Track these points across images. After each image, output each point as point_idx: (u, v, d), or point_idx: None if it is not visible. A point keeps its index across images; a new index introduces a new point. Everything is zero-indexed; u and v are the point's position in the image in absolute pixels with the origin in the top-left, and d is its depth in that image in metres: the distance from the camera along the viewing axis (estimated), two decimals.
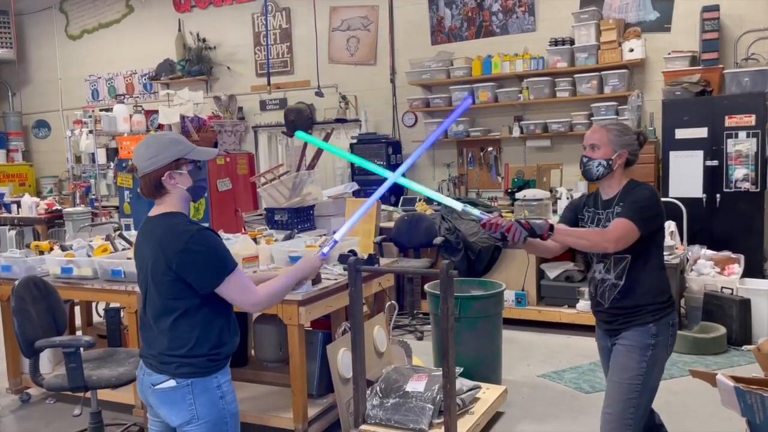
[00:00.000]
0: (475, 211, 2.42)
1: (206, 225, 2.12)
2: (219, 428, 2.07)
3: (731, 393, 2.11)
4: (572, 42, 6.27)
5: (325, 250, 2.32)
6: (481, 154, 6.94)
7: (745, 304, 4.71)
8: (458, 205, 2.42)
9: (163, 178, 2.07)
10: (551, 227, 2.34)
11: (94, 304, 5.20)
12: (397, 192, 7.05)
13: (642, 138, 2.51)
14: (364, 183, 6.84)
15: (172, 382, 2.04)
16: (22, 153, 10.10)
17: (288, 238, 4.23)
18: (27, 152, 10.24)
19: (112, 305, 4.17)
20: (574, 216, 2.62)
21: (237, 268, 2.06)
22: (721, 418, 3.40)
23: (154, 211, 2.12)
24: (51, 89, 9.92)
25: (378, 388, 3.33)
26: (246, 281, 2.08)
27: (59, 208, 7.54)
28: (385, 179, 2.46)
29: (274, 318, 3.30)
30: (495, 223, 2.35)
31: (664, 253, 2.71)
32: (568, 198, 5.70)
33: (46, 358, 3.95)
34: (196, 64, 8.39)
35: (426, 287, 4.24)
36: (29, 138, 10.29)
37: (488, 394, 3.63)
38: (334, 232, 2.40)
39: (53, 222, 7.33)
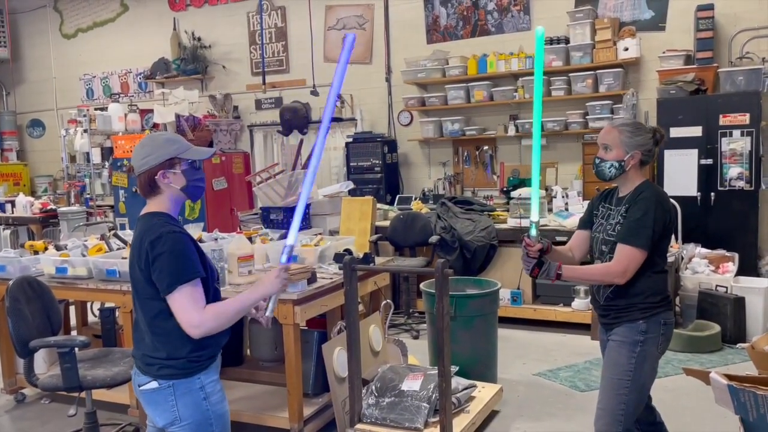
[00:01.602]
0: (533, 231, 2.33)
1: (197, 226, 2.09)
2: (204, 429, 2.05)
3: (724, 391, 2.12)
4: (567, 41, 6.28)
5: (284, 259, 2.09)
6: (477, 152, 6.94)
7: (739, 303, 4.72)
8: (536, 217, 2.31)
9: (156, 177, 2.07)
10: (558, 275, 2.32)
11: (89, 304, 5.19)
12: (393, 191, 7.06)
13: (658, 135, 2.47)
14: (360, 182, 6.84)
15: (154, 384, 2.03)
16: (17, 152, 10.06)
17: (283, 237, 4.23)
18: (21, 151, 10.20)
19: (107, 305, 4.18)
20: (591, 218, 2.61)
21: (196, 282, 1.97)
22: (715, 416, 3.41)
23: (143, 211, 2.12)
24: (45, 88, 9.88)
25: (374, 387, 3.33)
26: (199, 299, 1.96)
27: (54, 207, 7.51)
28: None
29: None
30: (527, 250, 2.34)
31: None
32: (563, 197, 5.71)
33: (40, 358, 3.95)
34: (191, 63, 8.38)
35: (421, 286, 4.24)
36: (24, 137, 10.26)
37: (484, 392, 3.64)
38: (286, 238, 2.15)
39: (48, 221, 7.31)
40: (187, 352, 2.02)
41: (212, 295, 2.10)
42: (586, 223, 2.63)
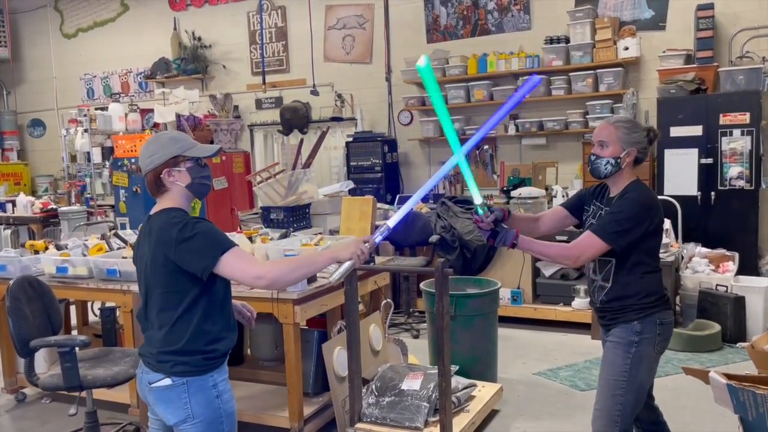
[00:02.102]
0: (480, 210, 2.41)
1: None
2: (214, 427, 2.07)
3: (724, 390, 2.12)
4: (567, 40, 6.28)
5: (378, 239, 2.13)
6: (477, 152, 6.95)
7: (739, 302, 4.72)
8: (479, 200, 2.39)
9: (162, 176, 2.10)
10: (514, 244, 2.38)
11: (89, 304, 5.19)
12: (393, 190, 7.06)
13: (652, 134, 2.46)
14: (360, 181, 6.85)
15: (167, 381, 2.05)
16: (17, 152, 10.07)
17: (284, 236, 4.23)
18: (22, 151, 10.21)
19: (107, 305, 4.18)
20: (578, 204, 2.61)
21: (236, 247, 2.02)
22: (715, 415, 3.41)
23: (154, 209, 2.14)
24: (46, 88, 9.89)
25: (374, 387, 3.33)
26: (248, 256, 2.03)
27: (54, 207, 7.51)
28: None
29: (270, 317, 3.30)
30: (479, 226, 2.43)
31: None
32: (563, 196, 5.71)
33: (41, 358, 3.95)
34: (191, 63, 8.38)
35: (422, 285, 4.25)
36: (24, 137, 10.27)
37: (484, 392, 3.64)
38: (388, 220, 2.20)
39: (48, 221, 7.31)
40: (204, 344, 2.04)
41: (223, 290, 2.12)
42: (570, 206, 2.64)
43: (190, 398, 2.04)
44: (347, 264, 2.07)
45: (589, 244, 2.33)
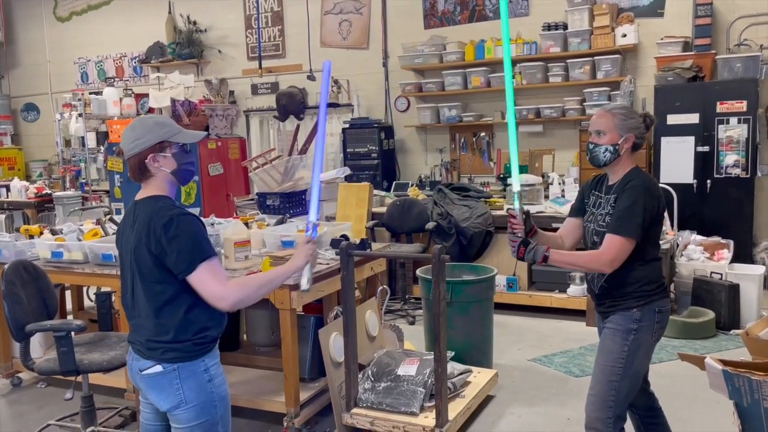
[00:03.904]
0: (516, 203, 2.40)
1: (194, 211, 2.09)
2: (208, 411, 2.07)
3: (719, 376, 2.13)
4: (565, 27, 6.26)
5: (313, 234, 2.22)
6: (474, 139, 6.93)
7: (733, 289, 4.74)
8: (517, 187, 2.39)
9: (146, 161, 2.06)
10: (545, 259, 2.35)
11: (84, 289, 5.18)
12: (389, 177, 7.04)
13: (648, 120, 2.46)
14: (356, 168, 6.83)
15: (158, 368, 2.04)
16: (11, 136, 10.00)
17: (280, 222, 4.23)
18: (16, 136, 10.14)
19: (103, 289, 4.17)
20: (581, 205, 2.60)
21: (214, 258, 2.00)
22: (709, 401, 3.44)
23: (140, 195, 2.10)
24: (39, 72, 9.81)
25: (370, 372, 3.34)
26: (219, 272, 2.00)
27: (49, 192, 7.49)
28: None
29: (266, 302, 3.30)
30: (513, 226, 2.41)
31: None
32: (560, 183, 5.71)
33: (37, 342, 3.94)
34: (186, 48, 8.31)
35: (418, 272, 4.25)
36: (18, 121, 10.19)
37: (479, 377, 3.66)
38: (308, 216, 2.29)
39: (43, 206, 7.29)
40: (192, 333, 2.03)
41: None
42: (577, 210, 2.62)
43: (182, 384, 2.03)
44: (306, 268, 2.17)
45: (618, 245, 2.30)
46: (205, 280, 1.97)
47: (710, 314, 4.68)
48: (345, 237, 3.59)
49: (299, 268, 2.14)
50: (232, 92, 8.18)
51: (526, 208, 2.45)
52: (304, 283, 2.17)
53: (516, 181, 2.39)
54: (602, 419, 2.36)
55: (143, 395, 2.17)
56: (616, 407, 2.37)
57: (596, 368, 2.45)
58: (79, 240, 3.80)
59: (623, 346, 2.36)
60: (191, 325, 2.02)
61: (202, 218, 4.02)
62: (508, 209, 2.41)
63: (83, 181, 7.87)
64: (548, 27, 6.28)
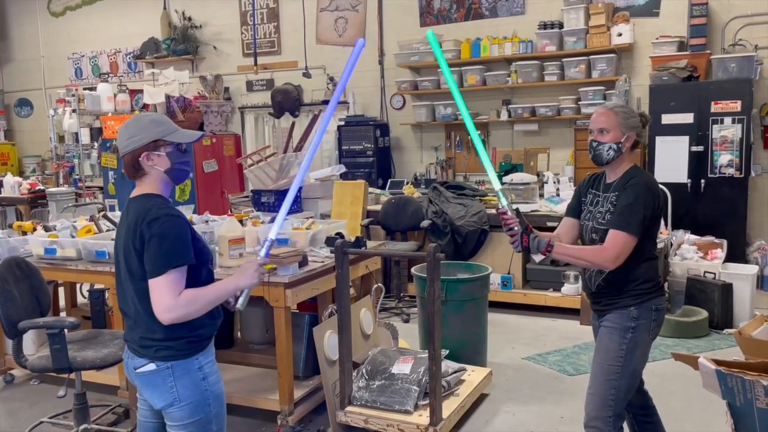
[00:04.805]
0: (503, 200, 2.38)
1: (188, 208, 2.07)
2: (202, 409, 2.06)
3: (712, 376, 2.13)
4: (561, 26, 6.26)
5: (263, 252, 2.13)
6: (469, 137, 6.93)
7: (727, 289, 4.76)
8: (497, 185, 2.37)
9: (140, 159, 2.05)
10: (549, 248, 2.33)
11: (78, 286, 5.16)
12: (384, 175, 7.04)
13: (644, 119, 2.48)
14: (352, 166, 6.82)
15: (152, 366, 2.03)
16: (4, 132, 9.95)
17: (273, 220, 4.21)
18: (9, 131, 10.09)
19: (96, 286, 4.16)
20: (578, 204, 2.59)
21: (183, 269, 1.96)
22: (702, 401, 3.45)
23: (134, 193, 2.10)
24: (33, 67, 9.75)
25: (364, 370, 3.34)
26: (176, 285, 1.94)
27: (42, 188, 7.45)
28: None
29: (261, 300, 3.29)
30: (507, 222, 2.36)
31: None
32: (555, 182, 5.72)
33: (29, 340, 3.93)
34: (181, 44, 8.28)
35: (413, 270, 4.25)
36: (11, 117, 10.14)
37: (473, 376, 3.66)
38: (267, 235, 2.21)
39: (36, 202, 7.25)
40: (185, 332, 2.02)
41: (205, 275, 2.09)
42: (574, 210, 2.62)
43: (176, 382, 2.03)
44: (247, 290, 2.11)
45: (623, 242, 2.30)
46: (161, 288, 1.93)
47: (703, 313, 4.70)
48: (340, 235, 3.59)
49: (246, 287, 2.08)
50: (227, 89, 8.15)
51: (516, 206, 2.43)
52: (240, 303, 2.11)
53: (495, 180, 2.38)
54: (602, 418, 2.37)
55: (140, 392, 2.16)
56: (616, 406, 2.38)
57: (594, 367, 2.45)
58: (73, 237, 3.78)
59: (621, 345, 2.37)
60: (185, 324, 2.01)
61: (195, 215, 4.03)
62: (497, 208, 2.39)
63: (77, 177, 7.83)
64: (544, 26, 6.29)
